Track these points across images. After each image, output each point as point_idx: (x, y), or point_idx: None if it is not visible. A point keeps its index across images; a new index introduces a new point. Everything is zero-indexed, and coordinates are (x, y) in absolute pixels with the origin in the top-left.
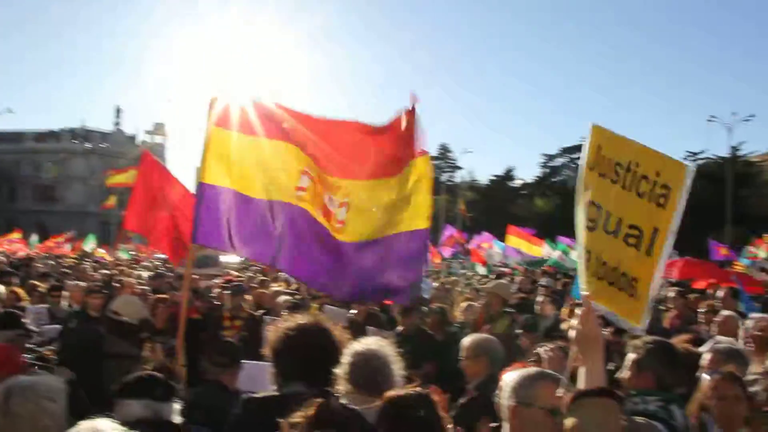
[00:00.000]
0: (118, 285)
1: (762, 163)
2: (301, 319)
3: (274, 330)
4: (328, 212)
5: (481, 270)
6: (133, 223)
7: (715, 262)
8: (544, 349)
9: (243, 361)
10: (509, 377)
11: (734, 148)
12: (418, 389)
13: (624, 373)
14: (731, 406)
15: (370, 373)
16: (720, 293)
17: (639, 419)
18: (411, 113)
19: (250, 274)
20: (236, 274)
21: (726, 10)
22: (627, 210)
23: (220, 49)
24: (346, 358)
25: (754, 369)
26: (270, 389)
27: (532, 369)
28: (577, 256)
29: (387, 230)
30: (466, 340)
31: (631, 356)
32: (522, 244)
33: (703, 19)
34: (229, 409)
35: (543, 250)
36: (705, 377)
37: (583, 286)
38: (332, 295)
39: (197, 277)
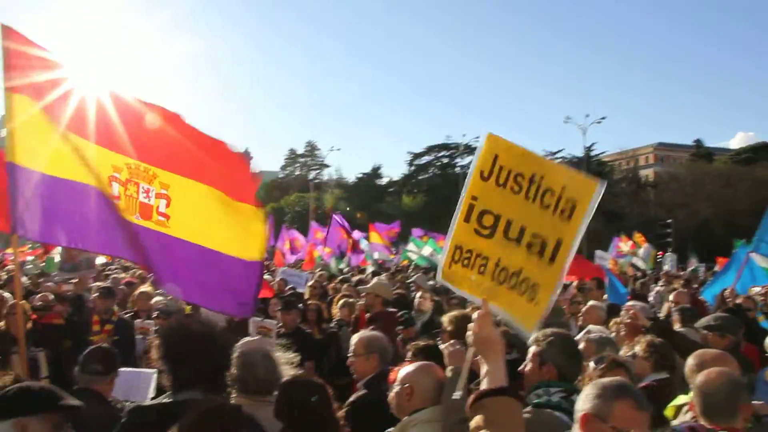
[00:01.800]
0: None
1: (612, 163)
2: (187, 322)
3: (165, 335)
4: (146, 208)
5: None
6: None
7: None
8: (447, 345)
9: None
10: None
11: (588, 149)
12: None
13: (527, 367)
14: None
15: (255, 376)
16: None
17: (543, 411)
18: (243, 161)
19: (115, 275)
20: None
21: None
22: (530, 219)
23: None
24: (233, 364)
25: (623, 353)
26: (147, 397)
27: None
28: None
29: (213, 243)
30: (356, 338)
31: (532, 349)
32: (381, 241)
33: (561, 24)
34: (105, 421)
35: (408, 246)
36: (591, 365)
37: (477, 289)
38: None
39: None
